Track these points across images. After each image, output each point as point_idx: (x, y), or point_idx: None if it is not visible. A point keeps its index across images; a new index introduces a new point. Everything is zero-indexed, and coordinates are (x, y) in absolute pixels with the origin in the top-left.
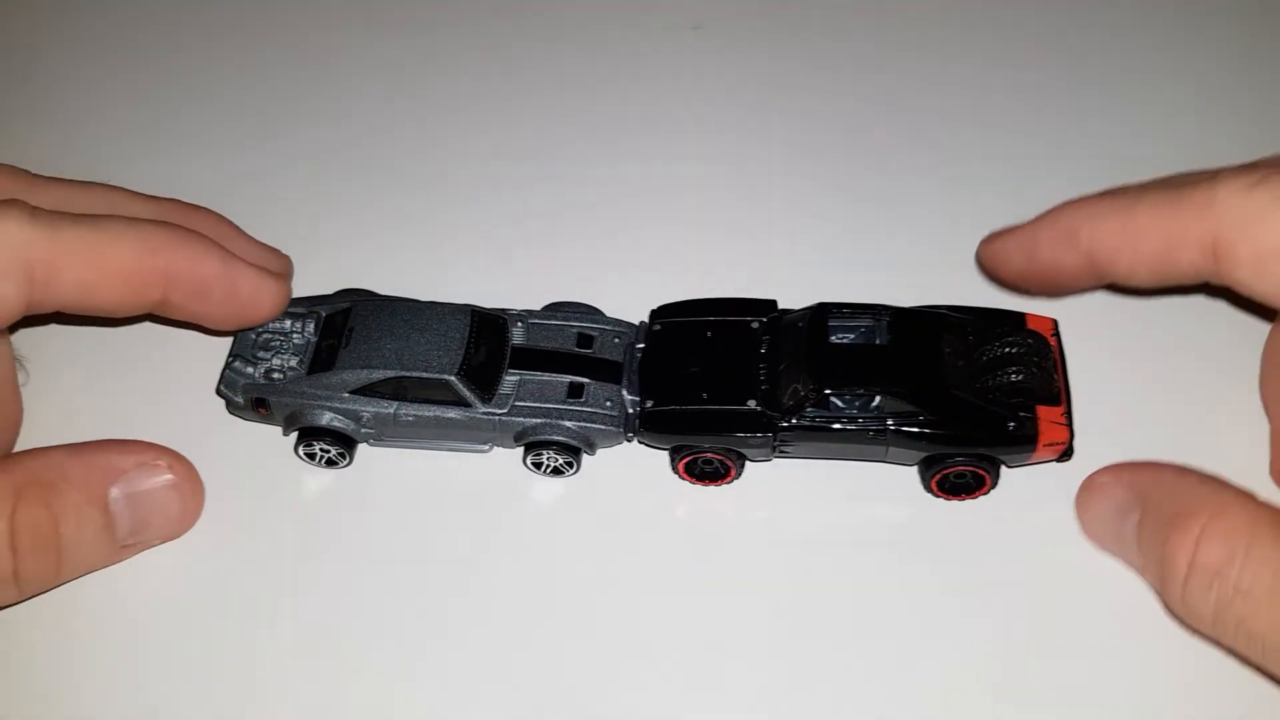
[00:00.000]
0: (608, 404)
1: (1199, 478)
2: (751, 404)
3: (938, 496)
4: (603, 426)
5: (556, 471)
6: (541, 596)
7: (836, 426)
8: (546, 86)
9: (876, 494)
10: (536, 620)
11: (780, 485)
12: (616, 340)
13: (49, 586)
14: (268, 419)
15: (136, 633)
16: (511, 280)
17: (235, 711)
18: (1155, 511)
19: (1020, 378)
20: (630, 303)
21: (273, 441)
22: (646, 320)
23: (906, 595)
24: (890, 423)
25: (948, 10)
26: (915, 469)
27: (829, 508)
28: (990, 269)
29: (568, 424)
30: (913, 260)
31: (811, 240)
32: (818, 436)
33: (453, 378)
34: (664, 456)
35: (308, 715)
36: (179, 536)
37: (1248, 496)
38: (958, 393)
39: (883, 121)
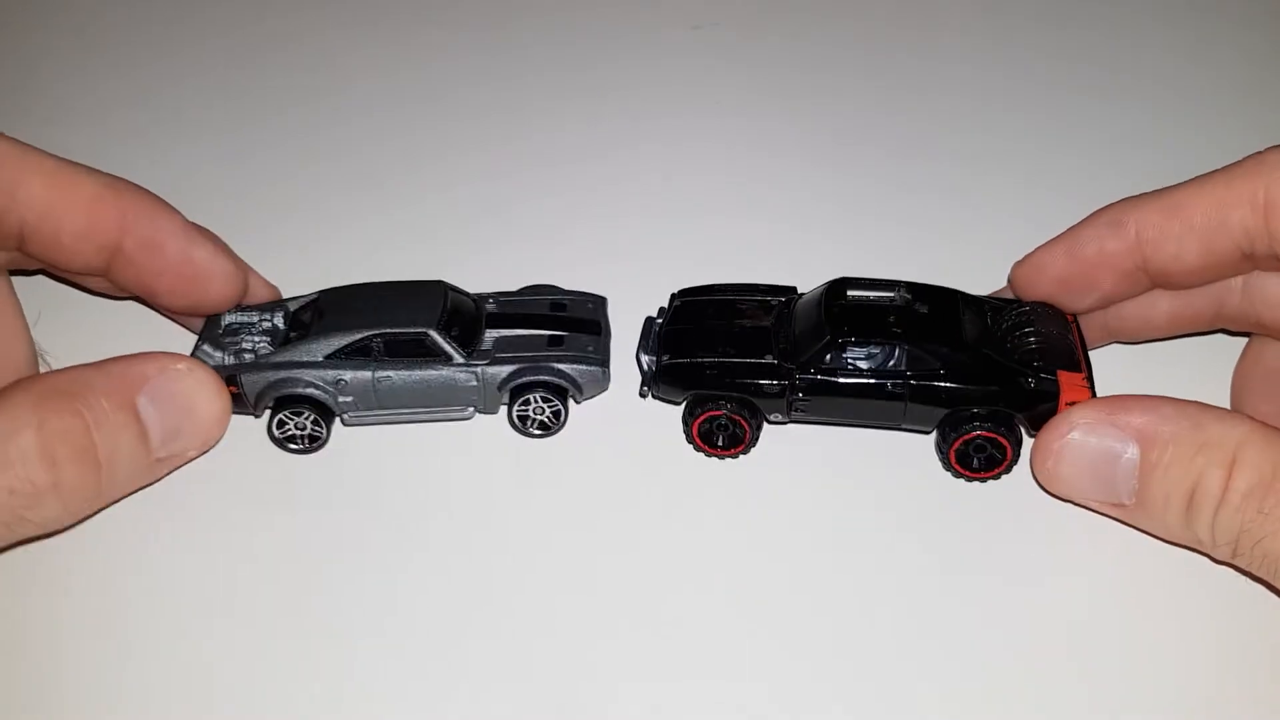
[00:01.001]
0: (589, 349)
1: (1199, 407)
2: (769, 358)
3: (959, 475)
4: (586, 367)
5: (543, 428)
6: (534, 581)
7: (853, 381)
8: (547, 89)
9: (893, 480)
10: (533, 608)
11: (790, 470)
12: (590, 305)
13: (93, 503)
14: (240, 403)
15: (113, 628)
16: (515, 282)
17: (217, 700)
18: (1172, 446)
19: (1039, 342)
20: (633, 302)
21: (250, 434)
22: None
23: (922, 583)
24: (909, 375)
25: (958, 7)
26: (934, 443)
27: (842, 493)
28: (1027, 282)
29: (552, 365)
30: (925, 257)
31: (820, 237)
32: (834, 390)
33: (432, 331)
34: (664, 433)
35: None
36: (211, 446)
37: (1260, 424)
38: (976, 348)
39: (894, 117)
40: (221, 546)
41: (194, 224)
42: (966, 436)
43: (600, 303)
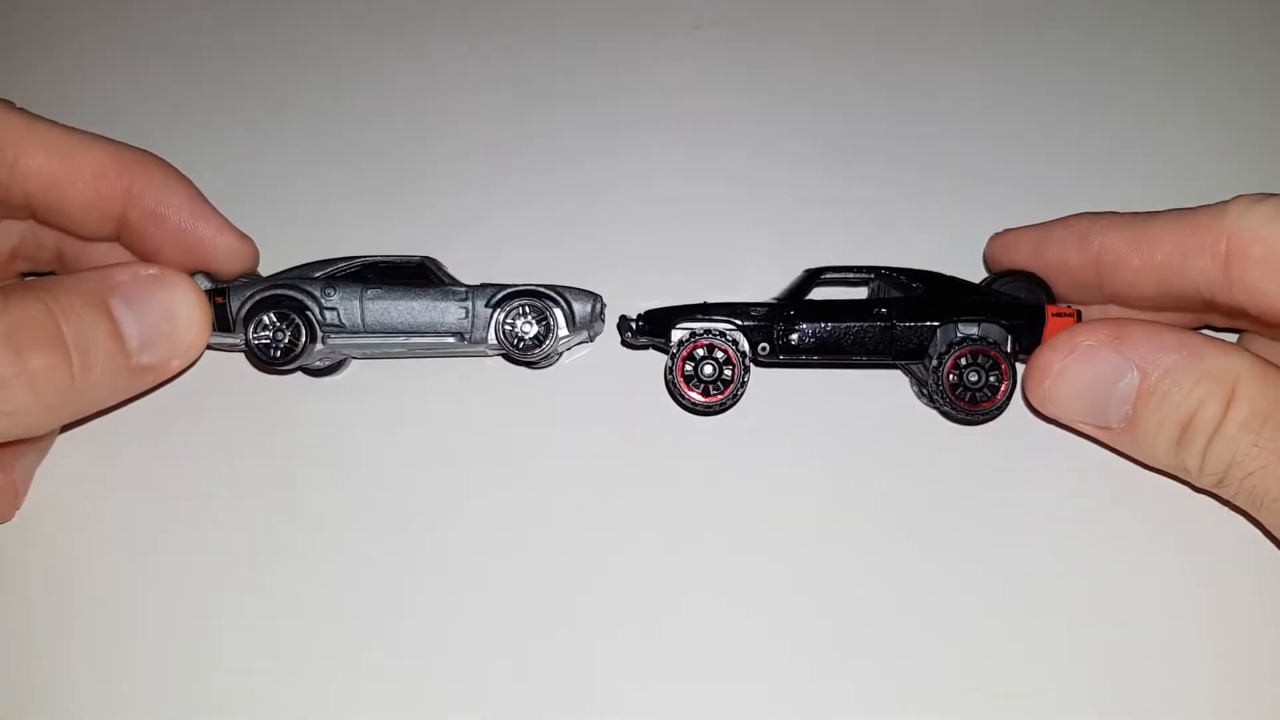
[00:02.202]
0: (583, 290)
1: (1200, 338)
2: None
3: (955, 410)
4: (578, 293)
5: (535, 341)
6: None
7: (839, 314)
8: (547, 88)
9: (882, 435)
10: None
11: (778, 433)
12: (585, 293)
13: (68, 397)
14: (224, 320)
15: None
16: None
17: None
18: (1172, 374)
19: (1020, 282)
20: (627, 298)
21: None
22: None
23: (907, 536)
24: (893, 298)
25: (956, 11)
26: (929, 383)
27: (831, 453)
28: (995, 260)
29: (545, 285)
30: (922, 259)
31: (818, 237)
32: (821, 316)
33: (427, 259)
34: (650, 402)
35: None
36: (193, 357)
37: (1260, 359)
38: (958, 279)
39: (892, 118)
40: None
41: (204, 198)
42: (960, 354)
43: (597, 296)
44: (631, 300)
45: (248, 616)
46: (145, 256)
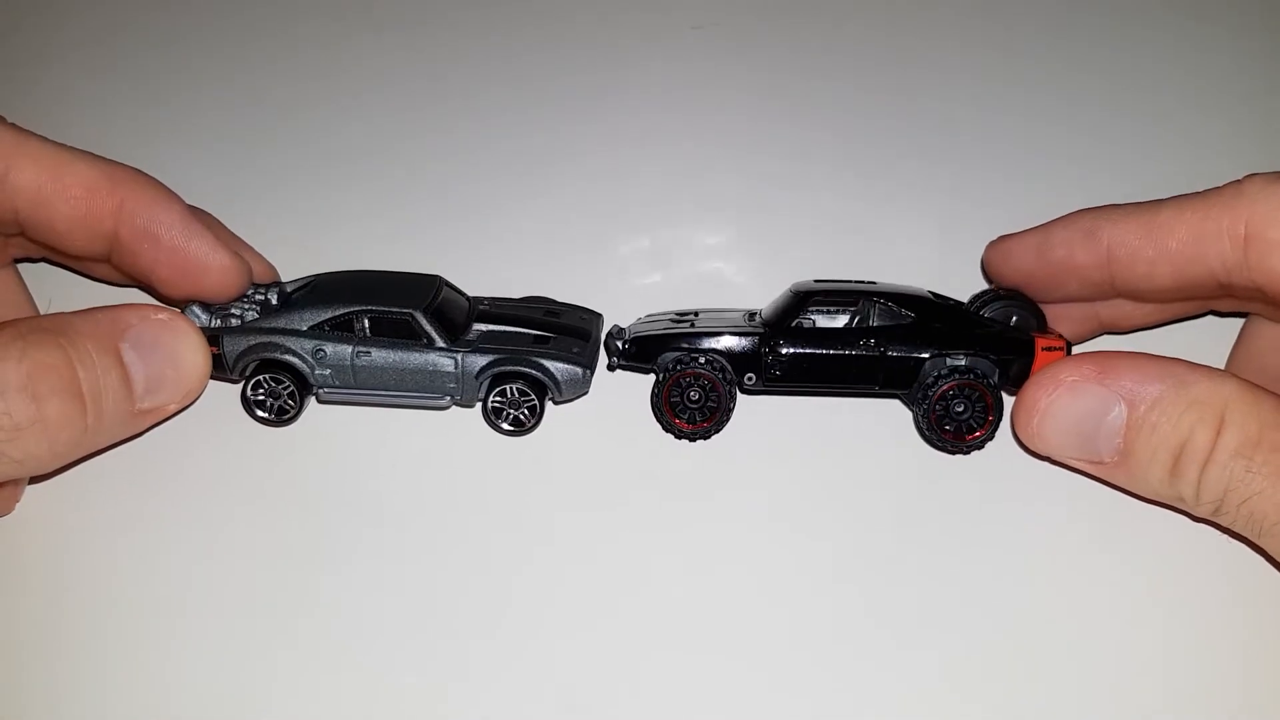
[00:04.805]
0: (574, 350)
1: (1186, 366)
2: (742, 326)
3: (942, 442)
4: (569, 365)
5: (518, 423)
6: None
7: (826, 336)
8: (547, 88)
9: (871, 461)
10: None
11: (765, 459)
12: (583, 316)
13: (79, 444)
14: (220, 366)
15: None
16: (512, 284)
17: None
18: (1160, 405)
19: (1011, 310)
20: (633, 300)
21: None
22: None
23: (899, 560)
24: (881, 327)
25: (954, 12)
26: (914, 417)
27: (820, 481)
28: (996, 269)
29: (534, 358)
30: (924, 261)
31: (819, 238)
32: (808, 343)
33: (418, 313)
34: (636, 427)
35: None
36: (191, 400)
37: (1247, 383)
38: (948, 302)
39: (888, 122)
40: (186, 535)
41: (197, 214)
42: (946, 388)
43: (594, 317)
44: (625, 303)
45: (248, 615)
46: (137, 276)
